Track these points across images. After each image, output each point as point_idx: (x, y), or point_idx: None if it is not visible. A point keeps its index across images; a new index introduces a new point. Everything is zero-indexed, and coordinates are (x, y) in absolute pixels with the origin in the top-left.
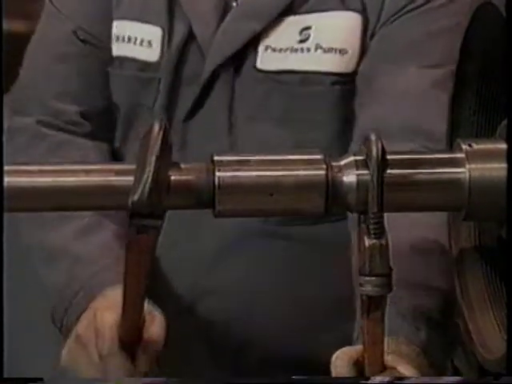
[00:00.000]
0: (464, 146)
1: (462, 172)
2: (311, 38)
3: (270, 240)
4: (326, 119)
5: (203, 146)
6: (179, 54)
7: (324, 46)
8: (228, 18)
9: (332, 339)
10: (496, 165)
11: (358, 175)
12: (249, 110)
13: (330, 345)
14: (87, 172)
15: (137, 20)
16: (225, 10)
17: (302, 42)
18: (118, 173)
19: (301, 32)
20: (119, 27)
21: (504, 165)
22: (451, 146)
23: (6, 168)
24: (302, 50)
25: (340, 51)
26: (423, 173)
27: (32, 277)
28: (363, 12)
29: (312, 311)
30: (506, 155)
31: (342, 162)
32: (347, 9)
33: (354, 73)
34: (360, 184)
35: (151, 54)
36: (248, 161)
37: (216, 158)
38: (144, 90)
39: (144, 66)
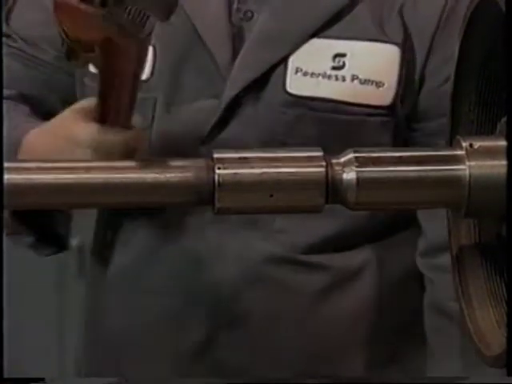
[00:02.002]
0: (464, 143)
1: (462, 169)
2: (347, 67)
3: (294, 268)
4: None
5: None
6: (182, 75)
7: (360, 76)
8: (249, 43)
9: (356, 366)
10: (496, 162)
11: (357, 172)
12: (276, 135)
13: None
14: (87, 169)
15: None
16: (238, 30)
17: (336, 68)
18: (118, 170)
19: (334, 58)
20: None
21: (504, 162)
22: (451, 143)
23: (5, 165)
24: (336, 77)
25: (376, 83)
26: (423, 170)
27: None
28: (404, 44)
29: (331, 340)
30: (505, 152)
31: (342, 159)
32: (386, 41)
33: (392, 106)
34: (360, 181)
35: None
36: (248, 158)
37: (216, 155)
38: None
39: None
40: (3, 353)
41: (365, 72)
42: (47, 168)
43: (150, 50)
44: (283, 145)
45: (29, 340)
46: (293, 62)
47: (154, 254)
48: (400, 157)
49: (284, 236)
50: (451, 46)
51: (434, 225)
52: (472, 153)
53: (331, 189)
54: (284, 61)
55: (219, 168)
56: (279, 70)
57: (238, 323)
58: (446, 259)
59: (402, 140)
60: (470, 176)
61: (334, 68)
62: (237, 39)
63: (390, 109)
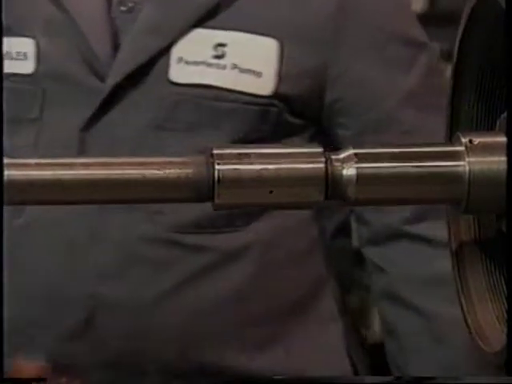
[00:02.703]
0: (463, 140)
1: (462, 165)
2: (227, 56)
3: (172, 248)
4: (234, 137)
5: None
6: (66, 67)
7: (240, 66)
8: (133, 32)
9: (237, 347)
10: (496, 158)
11: (357, 168)
12: (156, 120)
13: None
14: (86, 165)
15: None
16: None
17: (217, 57)
18: (117, 166)
19: (215, 47)
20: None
21: (504, 158)
22: (450, 139)
23: (5, 161)
24: (217, 66)
25: (255, 73)
26: (422, 166)
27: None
28: (286, 38)
29: (212, 319)
30: (505, 148)
31: (342, 155)
32: (265, 34)
33: (272, 96)
34: (360, 177)
35: (26, 67)
36: (248, 154)
37: (215, 151)
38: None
39: (21, 78)
40: (3, 353)
41: (244, 62)
42: (46, 164)
43: (32, 44)
44: (163, 130)
45: None
46: (175, 51)
47: (32, 239)
48: (400, 153)
49: (162, 217)
50: (353, 40)
51: (378, 214)
52: (472, 149)
53: (331, 185)
54: (167, 50)
55: (218, 164)
56: (163, 59)
57: (117, 304)
58: (394, 248)
59: (287, 131)
60: (469, 172)
61: (215, 57)
62: (119, 31)
63: (270, 98)
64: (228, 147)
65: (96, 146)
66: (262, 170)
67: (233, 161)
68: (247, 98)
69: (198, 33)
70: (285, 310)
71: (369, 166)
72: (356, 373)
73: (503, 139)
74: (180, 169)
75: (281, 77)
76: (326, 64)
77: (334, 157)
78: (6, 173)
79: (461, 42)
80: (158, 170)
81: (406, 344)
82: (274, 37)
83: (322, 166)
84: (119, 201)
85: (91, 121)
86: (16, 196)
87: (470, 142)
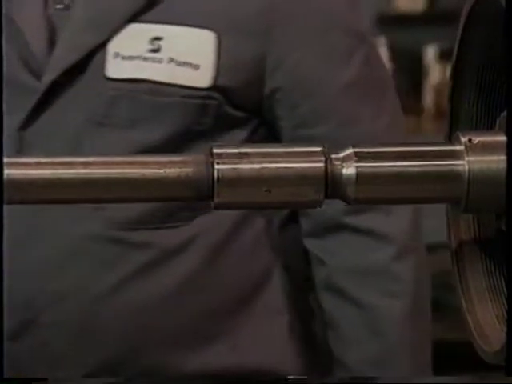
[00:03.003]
0: (463, 139)
1: (461, 164)
2: (163, 50)
3: (114, 245)
4: (175, 131)
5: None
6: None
7: (176, 59)
8: (69, 29)
9: (182, 345)
10: (495, 157)
11: (357, 167)
12: (95, 117)
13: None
14: (86, 164)
15: None
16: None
17: (153, 51)
18: (117, 165)
19: (151, 41)
20: None
21: (503, 157)
22: (450, 139)
23: (5, 160)
24: (153, 60)
25: (193, 66)
26: (422, 165)
27: None
28: (223, 30)
29: (157, 315)
30: (505, 147)
31: (341, 154)
32: (202, 26)
33: (211, 88)
34: (359, 176)
35: None
36: (247, 153)
37: (215, 150)
38: None
39: None
40: (3, 353)
41: (181, 55)
42: (46, 163)
43: None
44: (102, 126)
45: None
46: (111, 46)
47: None
48: (399, 152)
49: (103, 213)
50: (290, 29)
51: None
52: (471, 148)
53: (330, 184)
54: (103, 46)
55: (218, 163)
56: (99, 55)
57: (61, 302)
58: (334, 239)
59: (229, 124)
60: (469, 171)
61: (151, 51)
62: (56, 29)
63: (209, 91)
64: (228, 146)
65: (35, 144)
66: (261, 169)
67: (232, 160)
68: (185, 92)
69: (134, 27)
70: (230, 304)
71: (368, 165)
72: (305, 367)
73: (503, 138)
74: (180, 168)
75: (219, 69)
76: (264, 54)
77: (333, 156)
78: (5, 172)
79: (460, 40)
80: (158, 169)
81: (344, 334)
82: (210, 29)
83: (321, 165)
84: (119, 200)
85: (29, 120)
86: (16, 195)
87: (470, 141)
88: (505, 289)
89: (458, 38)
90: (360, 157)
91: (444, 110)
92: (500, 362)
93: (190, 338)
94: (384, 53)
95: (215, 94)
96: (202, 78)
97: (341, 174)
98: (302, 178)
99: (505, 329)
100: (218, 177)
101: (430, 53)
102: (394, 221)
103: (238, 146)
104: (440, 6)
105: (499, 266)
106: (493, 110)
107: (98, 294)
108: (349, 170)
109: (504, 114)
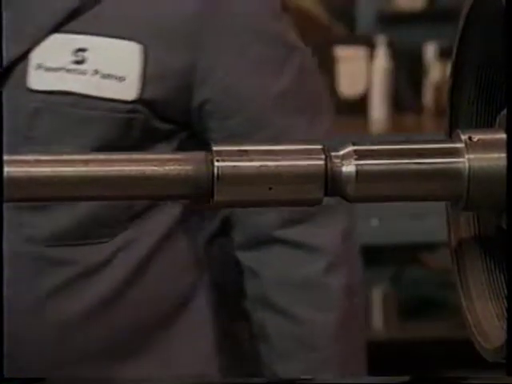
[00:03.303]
0: (463, 137)
1: (461, 162)
2: (88, 61)
3: (35, 262)
4: (100, 145)
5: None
6: None
7: (101, 71)
8: None
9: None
10: (495, 155)
11: (357, 165)
12: (18, 129)
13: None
14: (86, 162)
15: None
16: None
17: (77, 63)
18: (117, 162)
19: (75, 52)
20: None
21: (503, 154)
22: (450, 136)
23: (5, 158)
24: (77, 71)
25: (118, 78)
26: (422, 163)
27: None
28: (149, 42)
29: (80, 331)
30: (505, 145)
31: (341, 152)
32: (127, 38)
33: (137, 101)
34: (359, 174)
35: None
36: (247, 151)
37: (215, 148)
38: None
39: None
40: (3, 353)
41: (106, 67)
42: (46, 161)
43: None
44: (25, 138)
45: None
46: (34, 57)
47: None
48: (399, 150)
49: (22, 230)
50: (219, 40)
51: (250, 217)
52: (471, 146)
53: (330, 182)
54: (25, 57)
55: (218, 161)
56: (21, 66)
57: None
58: (267, 252)
59: (156, 137)
60: (469, 169)
61: (75, 62)
62: None
63: (134, 104)
64: (227, 144)
65: None
66: (261, 166)
67: (232, 158)
68: (110, 105)
69: (57, 38)
70: (156, 319)
71: (368, 163)
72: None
73: (503, 136)
74: (180, 166)
75: (145, 81)
76: (192, 65)
77: (333, 154)
78: (5, 169)
79: (460, 38)
80: (158, 166)
81: (276, 347)
82: (136, 40)
83: (321, 162)
84: (118, 197)
85: None
86: (16, 193)
87: (470, 138)
88: (505, 286)
89: (457, 36)
90: (360, 155)
91: (444, 107)
92: (500, 360)
93: (118, 352)
94: (384, 51)
95: (141, 108)
96: (128, 90)
97: (340, 172)
98: (301, 176)
99: (505, 326)
100: (217, 174)
101: (430, 51)
102: (326, 233)
103: (238, 144)
104: (440, 3)
105: (499, 264)
106: (493, 108)
107: (21, 311)
108: (348, 167)
109: (504, 111)
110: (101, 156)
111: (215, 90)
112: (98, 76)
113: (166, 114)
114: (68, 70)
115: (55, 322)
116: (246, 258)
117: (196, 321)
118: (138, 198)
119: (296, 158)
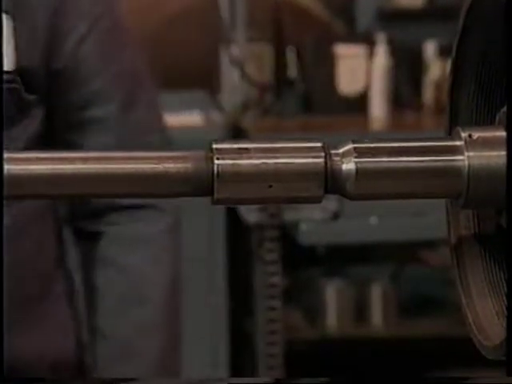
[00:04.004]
0: (463, 134)
1: (461, 159)
2: None
3: None
4: None
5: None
6: None
7: None
8: None
9: None
10: (495, 152)
11: (356, 163)
12: None
13: None
14: (85, 160)
15: None
16: None
17: None
18: (116, 160)
19: None
20: None
21: (503, 152)
22: (450, 134)
23: (5, 155)
24: None
25: None
26: (422, 160)
27: None
28: (15, 14)
29: None
30: (505, 142)
31: (341, 150)
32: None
33: (14, 72)
34: (359, 171)
35: None
36: (247, 149)
37: (215, 145)
38: None
39: None
40: (3, 353)
41: None
42: (46, 158)
43: None
44: None
45: None
46: None
47: None
48: (399, 147)
49: None
50: (72, 11)
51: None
52: (471, 143)
53: (330, 179)
54: None
55: (218, 158)
56: None
57: None
58: (114, 216)
59: (25, 109)
60: (469, 166)
61: None
62: None
63: (12, 74)
64: (227, 142)
65: None
66: (261, 164)
67: (232, 155)
68: None
69: None
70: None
71: (368, 161)
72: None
73: (503, 133)
74: (180, 163)
75: (17, 51)
76: (52, 33)
77: (333, 151)
78: (5, 167)
79: (460, 36)
80: (158, 164)
81: (107, 303)
82: (5, 12)
83: (321, 160)
84: (118, 195)
85: None
86: (16, 190)
87: (470, 136)
88: (504, 284)
89: (457, 34)
90: (359, 152)
91: (444, 105)
92: (499, 357)
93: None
94: (384, 48)
95: (17, 78)
96: (7, 61)
97: (340, 170)
98: (301, 174)
99: (504, 324)
100: (217, 172)
101: (430, 48)
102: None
103: (237, 142)
104: (440, 1)
105: (499, 262)
106: (492, 106)
107: None
108: (348, 165)
109: (504, 109)
110: (100, 154)
111: (64, 63)
112: None
113: (32, 85)
114: None
115: None
116: (92, 223)
117: (55, 308)
118: (137, 195)
119: (296, 155)
